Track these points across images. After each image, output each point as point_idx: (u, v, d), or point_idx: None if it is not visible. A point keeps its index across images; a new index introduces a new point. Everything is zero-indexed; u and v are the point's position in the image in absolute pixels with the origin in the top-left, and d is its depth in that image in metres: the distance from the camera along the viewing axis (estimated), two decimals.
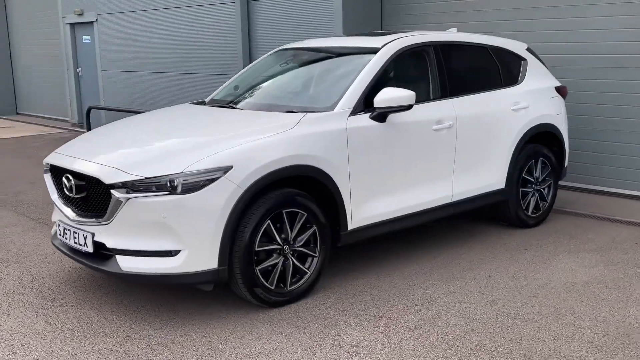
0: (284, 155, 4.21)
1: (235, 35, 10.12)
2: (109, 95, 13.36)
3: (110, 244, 4.04)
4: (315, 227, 4.41)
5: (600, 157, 7.25)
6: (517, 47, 6.17)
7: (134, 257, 3.99)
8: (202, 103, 5.59)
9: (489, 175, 5.62)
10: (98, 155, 4.30)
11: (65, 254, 4.47)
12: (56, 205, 4.54)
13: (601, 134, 7.18)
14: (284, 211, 4.24)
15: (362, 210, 4.70)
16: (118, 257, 4.03)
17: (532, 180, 6.02)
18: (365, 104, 4.73)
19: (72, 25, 14.03)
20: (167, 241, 3.93)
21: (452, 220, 6.26)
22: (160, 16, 11.72)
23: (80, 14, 13.54)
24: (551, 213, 6.39)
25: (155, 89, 12.15)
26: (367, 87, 4.77)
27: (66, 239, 4.39)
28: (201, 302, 4.41)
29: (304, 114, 4.53)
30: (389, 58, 5.01)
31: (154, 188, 3.91)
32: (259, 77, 5.62)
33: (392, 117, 4.79)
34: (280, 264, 4.27)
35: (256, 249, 4.12)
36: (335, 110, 4.61)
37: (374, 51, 5.04)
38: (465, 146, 5.35)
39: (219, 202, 3.94)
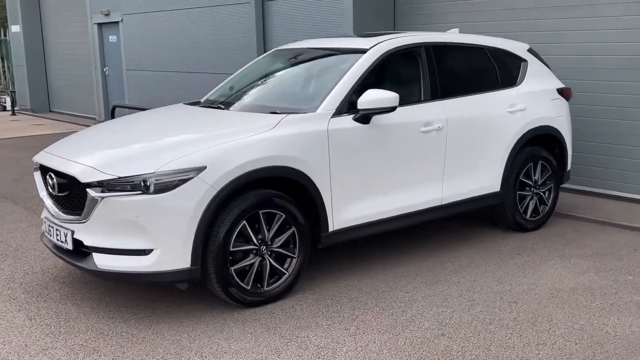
0: (260, 156, 4.23)
1: (250, 35, 10.19)
2: (134, 94, 13.59)
3: (87, 241, 4.13)
4: (294, 228, 4.43)
5: (605, 160, 7.09)
6: (518, 48, 6.07)
7: (109, 255, 4.06)
8: (197, 103, 5.65)
9: (483, 178, 5.55)
10: (79, 154, 4.38)
11: (50, 250, 4.58)
12: (44, 203, 4.65)
13: (607, 136, 7.02)
14: (260, 212, 4.26)
15: (345, 212, 4.69)
16: (95, 254, 4.11)
17: (531, 183, 5.91)
18: (350, 105, 4.72)
19: (100, 25, 14.33)
20: (140, 240, 3.99)
21: (449, 222, 6.20)
22: (180, 16, 11.87)
23: (107, 14, 13.81)
24: (553, 217, 6.28)
25: (176, 88, 12.31)
26: (351, 88, 4.76)
27: (51, 235, 4.50)
28: (179, 300, 4.46)
29: (285, 115, 4.55)
30: (377, 59, 4.99)
31: (128, 187, 3.97)
32: (253, 78, 5.64)
33: (376, 119, 4.76)
34: (256, 264, 4.29)
35: (231, 249, 4.16)
36: (318, 111, 4.62)
37: (362, 52, 5.02)
38: (456, 148, 5.29)
39: (191, 202, 3.98)
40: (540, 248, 5.52)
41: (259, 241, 4.29)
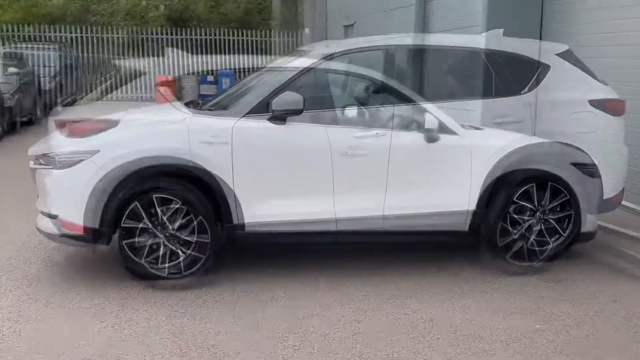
0: (152, 146, 4.71)
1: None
2: None
3: (37, 204, 5.17)
4: (192, 216, 4.82)
5: None
6: (541, 51, 5.25)
7: (42, 217, 5.04)
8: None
9: (448, 193, 5.02)
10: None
11: None
12: None
13: None
14: (154, 196, 4.77)
15: (256, 208, 4.83)
16: (39, 215, 5.13)
17: (532, 207, 5.11)
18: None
19: (345, 27, 15.52)
20: (51, 206, 4.88)
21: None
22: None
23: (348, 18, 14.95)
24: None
25: None
26: (274, 90, 4.87)
27: None
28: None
29: (197, 113, 4.98)
30: (313, 64, 4.99)
31: (49, 162, 4.86)
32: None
33: (295, 121, 4.82)
34: (149, 242, 4.81)
35: (123, 225, 4.77)
36: (231, 109, 4.91)
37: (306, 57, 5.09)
38: (406, 158, 4.94)
39: (82, 179, 4.69)
40: (500, 282, 4.82)
41: (155, 222, 4.80)
